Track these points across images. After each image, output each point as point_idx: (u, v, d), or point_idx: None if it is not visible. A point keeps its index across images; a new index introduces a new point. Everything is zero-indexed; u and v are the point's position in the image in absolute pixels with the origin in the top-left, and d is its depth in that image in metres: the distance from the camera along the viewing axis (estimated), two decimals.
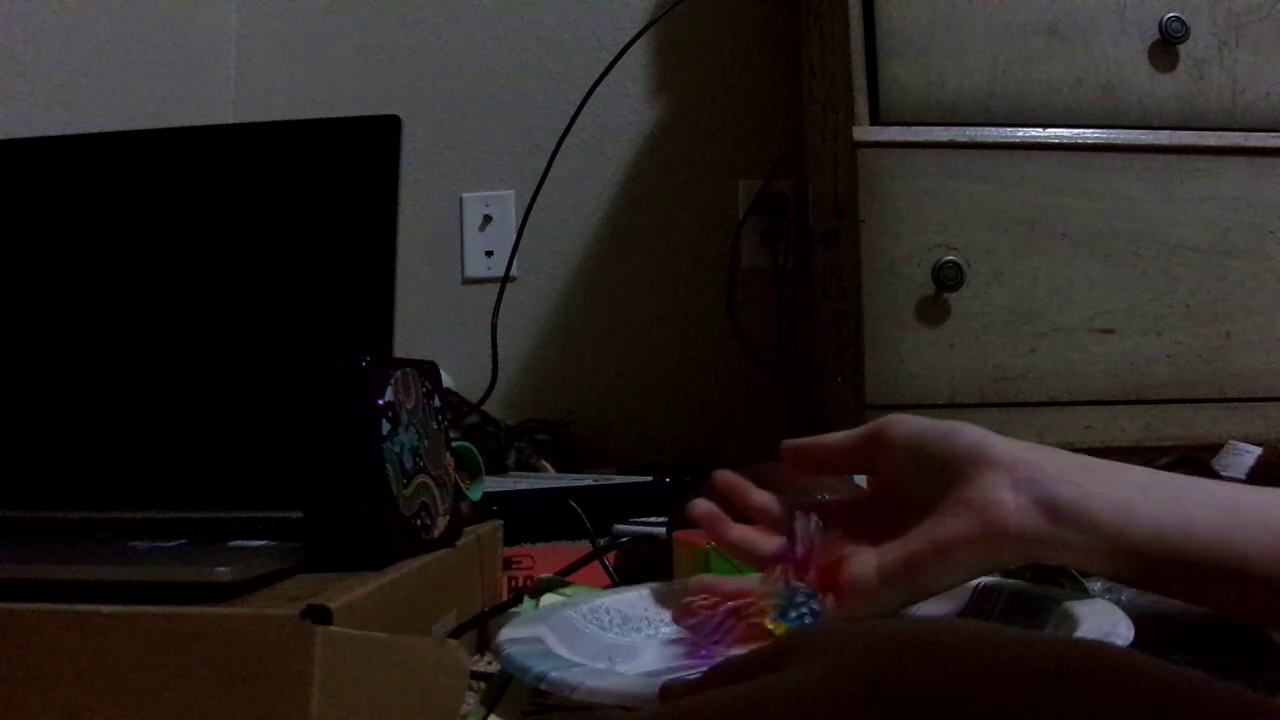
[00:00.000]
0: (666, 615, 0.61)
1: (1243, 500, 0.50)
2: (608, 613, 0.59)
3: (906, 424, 0.56)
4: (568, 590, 0.69)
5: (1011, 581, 0.60)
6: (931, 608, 0.60)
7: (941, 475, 0.52)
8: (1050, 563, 0.51)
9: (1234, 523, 0.48)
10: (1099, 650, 0.27)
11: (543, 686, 0.44)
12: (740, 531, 0.59)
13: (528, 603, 0.66)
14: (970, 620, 0.57)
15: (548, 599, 0.66)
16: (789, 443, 0.60)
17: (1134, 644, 0.46)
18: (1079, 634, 0.48)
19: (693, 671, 0.49)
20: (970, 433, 0.53)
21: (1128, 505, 0.49)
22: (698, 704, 0.31)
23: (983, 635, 0.29)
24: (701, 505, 0.60)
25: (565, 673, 0.44)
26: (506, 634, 0.51)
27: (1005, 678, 0.26)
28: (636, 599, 0.61)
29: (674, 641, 0.58)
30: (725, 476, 0.61)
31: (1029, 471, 0.50)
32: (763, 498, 0.60)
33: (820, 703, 0.28)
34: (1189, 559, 0.48)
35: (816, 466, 0.60)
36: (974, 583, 0.60)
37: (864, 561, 0.53)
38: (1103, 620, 0.49)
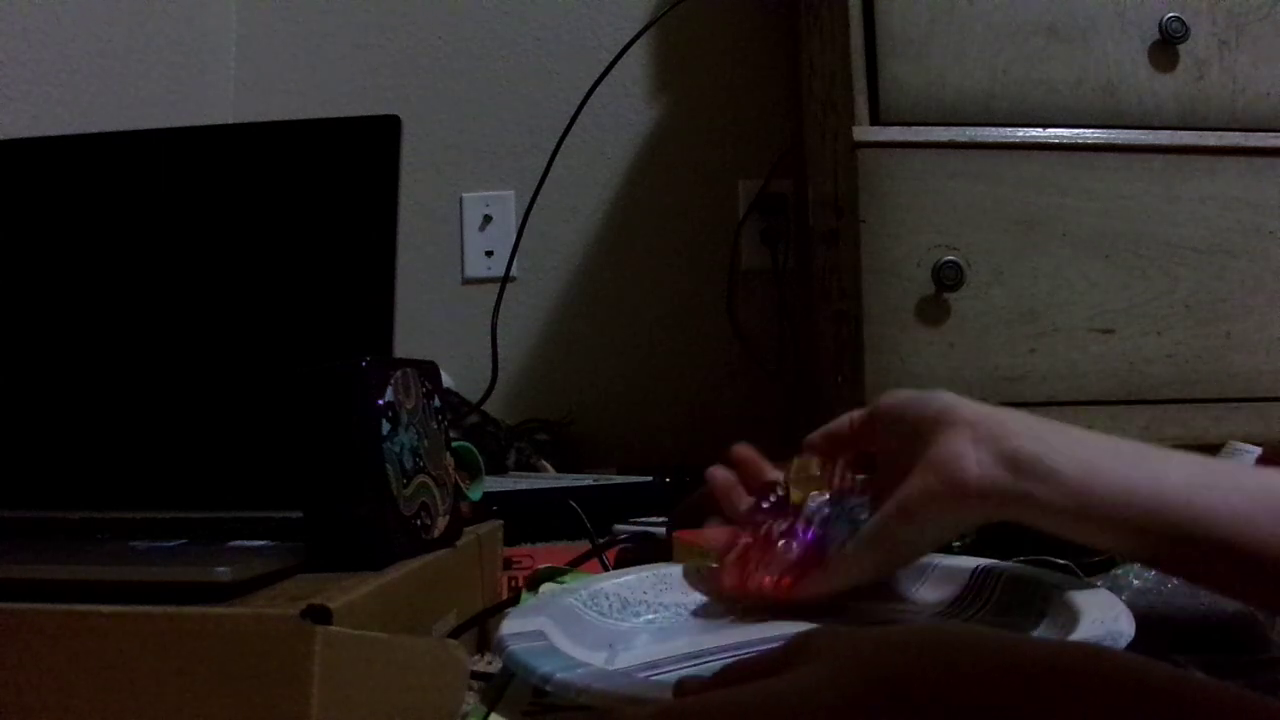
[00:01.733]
0: (666, 598, 0.61)
1: (1215, 465, 0.49)
2: (607, 598, 0.59)
3: (893, 396, 0.56)
4: (565, 579, 0.69)
5: (1010, 564, 0.60)
6: (931, 591, 0.60)
7: (916, 441, 0.52)
8: (1018, 521, 0.50)
9: (1206, 484, 0.47)
10: (1108, 653, 0.27)
11: (548, 688, 0.44)
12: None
13: (525, 595, 0.66)
14: (974, 624, 0.57)
15: (546, 588, 0.66)
16: (810, 438, 0.61)
17: (1134, 644, 0.46)
18: (1080, 625, 0.48)
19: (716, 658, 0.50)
20: (943, 397, 0.53)
21: (1093, 462, 0.48)
22: (703, 702, 0.31)
23: (989, 638, 0.29)
24: (720, 473, 0.61)
25: (570, 674, 0.44)
26: (508, 627, 0.51)
27: (1011, 679, 0.26)
28: (635, 582, 0.61)
29: (675, 625, 0.58)
30: (744, 450, 0.62)
31: (992, 428, 0.50)
32: (776, 475, 0.61)
33: (827, 704, 0.28)
34: (1156, 519, 0.47)
35: (836, 451, 0.60)
36: (973, 565, 0.60)
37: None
38: (1104, 611, 0.49)
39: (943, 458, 0.50)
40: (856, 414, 0.59)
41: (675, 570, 0.63)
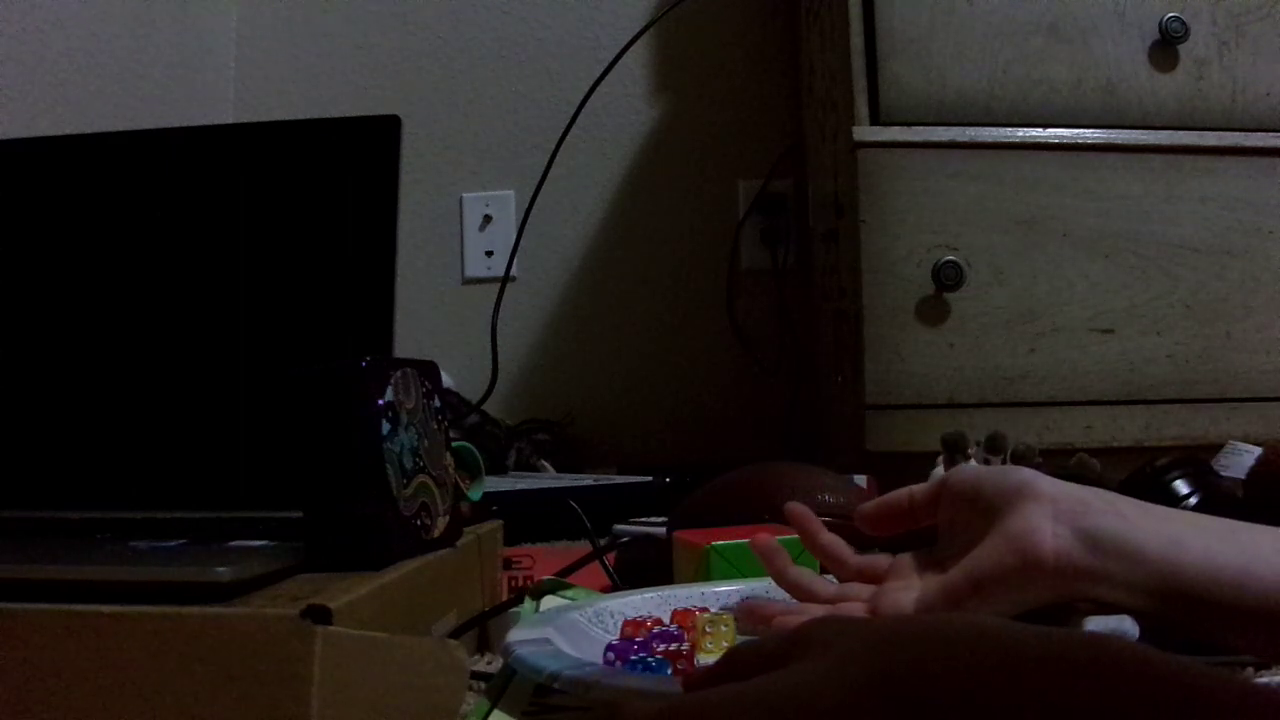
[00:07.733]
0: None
1: None
2: (611, 616, 0.59)
3: (966, 471, 0.54)
4: (569, 593, 0.69)
5: None
6: None
7: (989, 515, 0.50)
8: (1093, 598, 0.48)
9: None
10: (1113, 645, 0.27)
11: (557, 686, 0.44)
12: (830, 538, 0.58)
13: (528, 603, 0.66)
14: (980, 616, 0.57)
15: (549, 601, 0.66)
16: (863, 508, 0.58)
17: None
18: (1086, 629, 0.48)
19: None
20: (1022, 472, 0.51)
21: (1178, 538, 0.46)
22: (707, 697, 0.31)
23: (994, 629, 0.29)
24: (797, 505, 0.59)
25: (579, 671, 0.44)
26: (515, 635, 0.51)
27: (1017, 671, 0.26)
28: (640, 603, 0.61)
29: None
30: (797, 508, 0.59)
31: (1072, 505, 0.48)
32: (830, 539, 0.59)
33: (830, 696, 0.28)
34: (1245, 597, 0.45)
35: (892, 526, 0.58)
36: None
37: (904, 595, 0.51)
38: (1108, 617, 0.49)
39: (1018, 531, 0.48)
40: (918, 488, 0.57)
41: (679, 592, 0.63)
